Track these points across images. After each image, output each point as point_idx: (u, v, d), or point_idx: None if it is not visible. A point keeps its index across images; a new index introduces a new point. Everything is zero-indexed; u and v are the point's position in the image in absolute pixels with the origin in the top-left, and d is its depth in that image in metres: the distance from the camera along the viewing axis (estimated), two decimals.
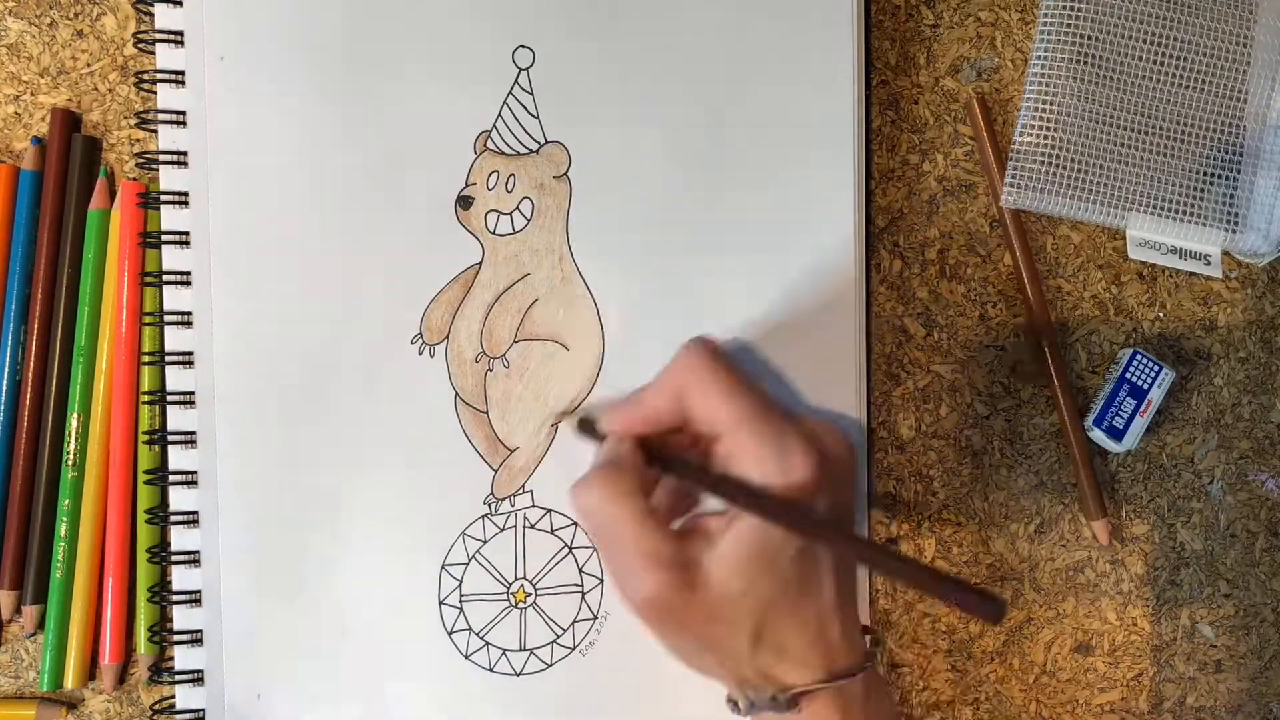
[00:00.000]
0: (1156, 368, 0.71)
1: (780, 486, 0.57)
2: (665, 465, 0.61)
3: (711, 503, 0.60)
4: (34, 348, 0.65)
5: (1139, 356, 0.71)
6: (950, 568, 0.73)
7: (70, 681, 0.66)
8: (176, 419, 0.65)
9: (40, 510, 0.65)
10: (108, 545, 0.65)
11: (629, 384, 0.67)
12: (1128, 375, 0.71)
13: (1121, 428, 0.71)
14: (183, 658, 0.65)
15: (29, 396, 0.65)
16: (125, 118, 0.67)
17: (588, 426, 0.65)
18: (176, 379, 0.65)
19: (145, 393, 0.65)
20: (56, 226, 0.65)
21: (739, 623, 0.57)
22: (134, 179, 0.66)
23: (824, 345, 0.70)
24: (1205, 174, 0.72)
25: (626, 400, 0.62)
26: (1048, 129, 0.71)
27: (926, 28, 0.73)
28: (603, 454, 0.61)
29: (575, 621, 0.68)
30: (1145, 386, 0.71)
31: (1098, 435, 0.71)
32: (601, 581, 0.68)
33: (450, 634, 0.67)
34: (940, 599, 0.53)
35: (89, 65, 0.67)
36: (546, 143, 0.67)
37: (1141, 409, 0.71)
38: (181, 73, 0.64)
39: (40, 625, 0.66)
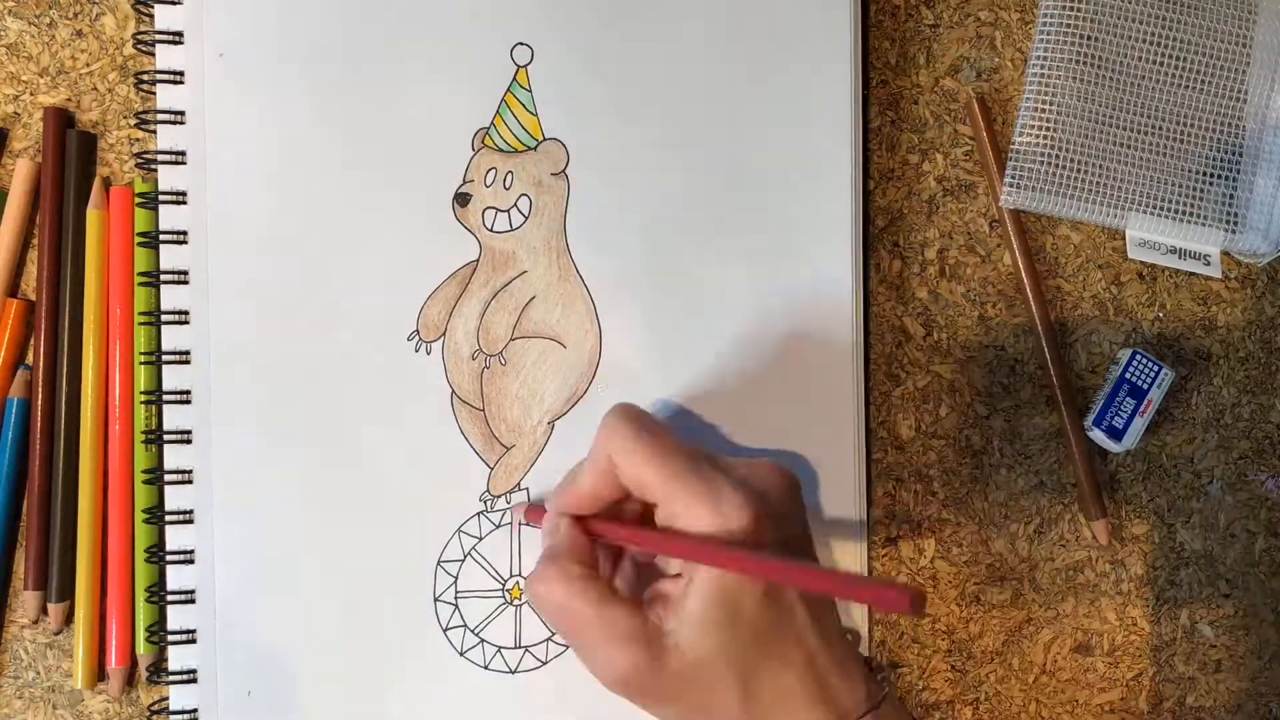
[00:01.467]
0: (1156, 368, 0.71)
1: (723, 535, 0.56)
2: (611, 539, 0.61)
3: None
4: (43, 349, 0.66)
5: (1138, 356, 0.71)
6: (950, 568, 0.72)
7: (80, 682, 0.66)
8: (173, 418, 0.65)
9: (59, 510, 0.65)
10: (109, 546, 0.65)
11: (626, 383, 0.67)
12: (1127, 375, 0.71)
13: (1121, 428, 0.71)
14: (176, 657, 0.65)
15: (40, 400, 0.65)
16: (125, 118, 0.67)
17: (536, 513, 0.65)
18: (173, 378, 0.65)
19: (143, 392, 0.65)
20: (56, 226, 0.65)
21: (722, 681, 0.57)
22: (129, 183, 0.66)
23: (823, 345, 0.70)
24: (1205, 174, 0.72)
25: (564, 481, 0.62)
26: (1047, 129, 0.71)
27: (926, 28, 0.73)
28: (544, 538, 0.62)
29: None
30: (1145, 386, 0.71)
31: (1097, 435, 0.71)
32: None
33: (445, 631, 0.67)
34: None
35: (88, 65, 0.67)
36: (545, 140, 0.67)
37: (1141, 409, 0.71)
38: (180, 72, 0.65)
39: (68, 621, 0.66)
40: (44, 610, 0.66)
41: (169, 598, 0.65)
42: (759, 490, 0.58)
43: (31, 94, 0.66)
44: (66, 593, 0.65)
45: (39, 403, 0.65)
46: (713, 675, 0.56)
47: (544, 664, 0.68)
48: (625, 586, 0.62)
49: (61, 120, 0.66)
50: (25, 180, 0.65)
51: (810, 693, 0.58)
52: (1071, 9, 0.71)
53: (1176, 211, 0.72)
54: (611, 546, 0.62)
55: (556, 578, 0.58)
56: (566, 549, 0.60)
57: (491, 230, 0.67)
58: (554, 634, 0.68)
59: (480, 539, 0.67)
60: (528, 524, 0.67)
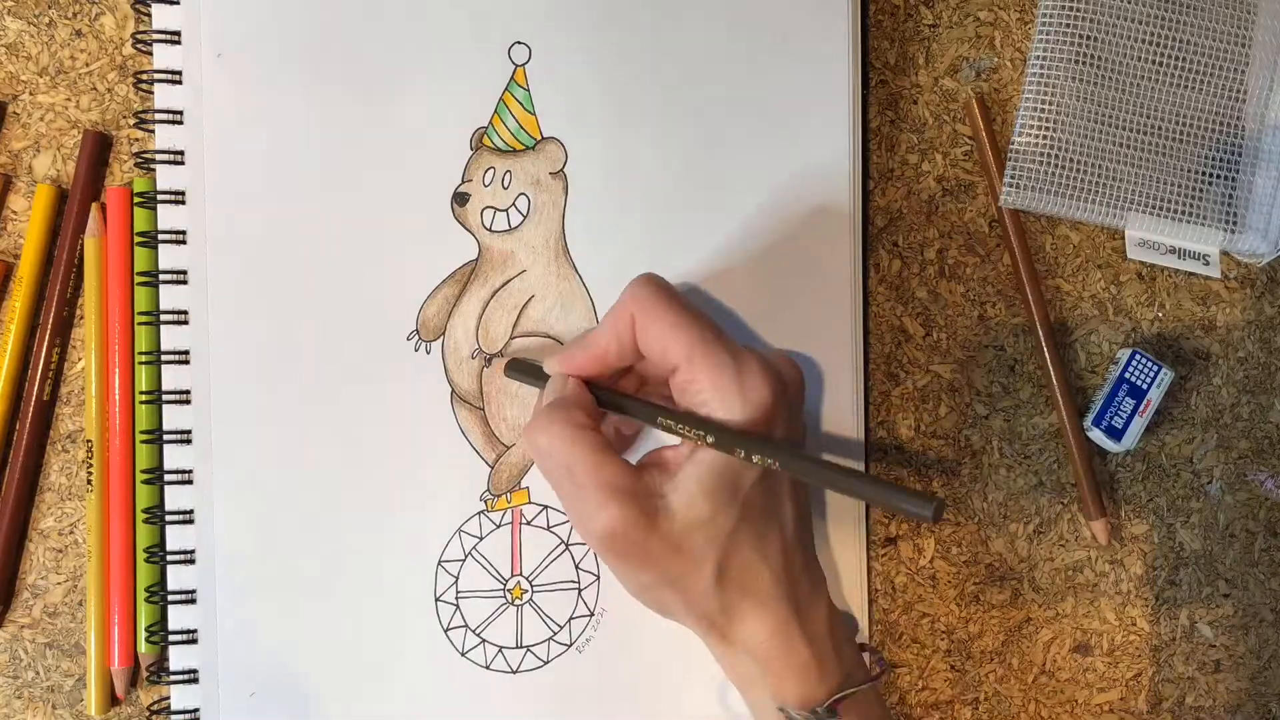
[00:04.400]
0: (1155, 368, 0.71)
1: (740, 412, 0.57)
2: (616, 405, 0.61)
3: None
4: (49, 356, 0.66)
5: (1138, 356, 0.71)
6: (950, 568, 0.72)
7: (93, 709, 0.66)
8: (172, 418, 0.65)
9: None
10: (111, 547, 0.65)
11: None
12: (1127, 375, 0.71)
13: (1120, 428, 0.71)
14: (177, 657, 0.65)
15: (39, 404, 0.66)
16: (124, 117, 0.67)
17: (521, 367, 0.65)
18: (173, 378, 0.65)
19: (143, 392, 0.65)
20: (75, 250, 0.66)
21: (702, 556, 0.57)
22: (128, 183, 0.66)
23: (823, 345, 0.70)
24: (1204, 174, 0.72)
25: (572, 343, 0.62)
26: (1046, 129, 0.71)
27: (925, 28, 0.73)
28: (549, 393, 0.61)
29: (572, 618, 0.68)
30: (1144, 386, 0.71)
31: (1097, 435, 0.71)
32: (598, 578, 0.68)
33: (446, 631, 0.67)
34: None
35: (87, 65, 0.67)
36: (543, 139, 0.67)
37: (1140, 409, 0.71)
38: (178, 71, 0.65)
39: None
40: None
41: (170, 598, 0.65)
42: (775, 372, 0.59)
43: (31, 94, 0.66)
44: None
45: (41, 404, 0.65)
46: (695, 548, 0.57)
47: (546, 664, 0.68)
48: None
49: (98, 145, 0.66)
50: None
51: (780, 585, 0.59)
52: (1071, 9, 0.71)
53: (1176, 211, 0.72)
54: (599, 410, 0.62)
55: (559, 425, 0.58)
56: (573, 401, 0.60)
57: (490, 230, 0.67)
58: (555, 634, 0.68)
59: (481, 539, 0.67)
60: (515, 378, 0.66)
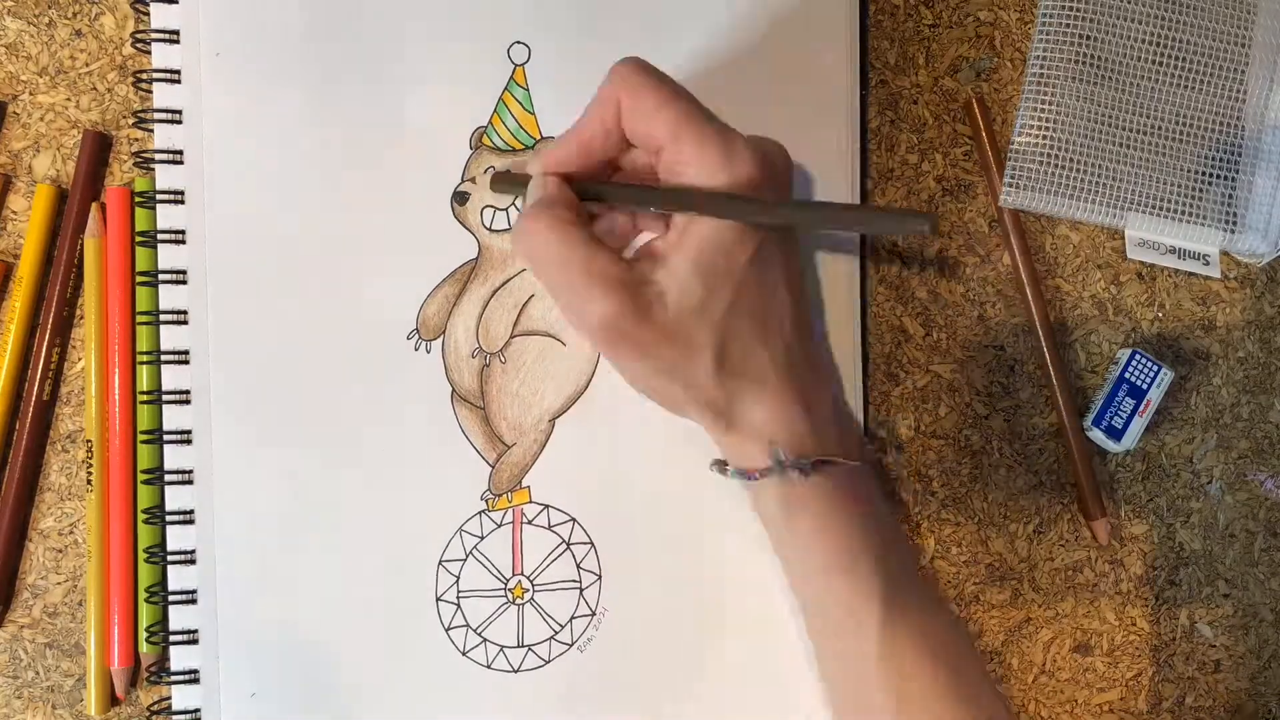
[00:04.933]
0: (1155, 368, 0.71)
1: (727, 184, 0.56)
2: (599, 196, 0.60)
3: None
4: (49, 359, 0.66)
5: (1138, 356, 0.71)
6: (950, 568, 0.72)
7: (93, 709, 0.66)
8: (172, 417, 0.65)
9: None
10: (112, 547, 0.65)
11: (625, 382, 0.67)
12: (1126, 375, 0.71)
13: (1120, 428, 0.71)
14: (178, 657, 0.65)
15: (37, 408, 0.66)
16: (124, 117, 0.67)
17: (506, 178, 0.65)
18: (173, 378, 0.65)
19: (143, 392, 0.65)
20: (76, 250, 0.66)
21: (699, 340, 0.57)
22: (128, 183, 0.66)
23: (822, 345, 0.70)
24: (1204, 174, 0.72)
25: (557, 139, 0.62)
26: (1046, 129, 0.71)
27: (925, 28, 0.73)
28: (531, 195, 0.61)
29: (573, 618, 0.68)
30: (1144, 386, 0.71)
31: (1096, 435, 0.71)
32: (599, 578, 0.68)
33: (448, 630, 0.67)
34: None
35: (87, 65, 0.67)
36: (543, 138, 0.67)
37: (1140, 409, 0.71)
38: (177, 71, 0.65)
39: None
40: None
41: (170, 598, 0.65)
42: (765, 152, 0.59)
43: (31, 94, 0.66)
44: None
45: (41, 404, 0.65)
46: (692, 333, 0.57)
47: (547, 663, 0.68)
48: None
49: (98, 145, 0.66)
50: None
51: (781, 376, 0.59)
52: (1071, 9, 0.71)
53: (1175, 211, 0.72)
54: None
55: (544, 221, 0.58)
56: (557, 197, 0.59)
57: (490, 229, 0.67)
58: (556, 633, 0.68)
59: (482, 538, 0.67)
60: (501, 190, 0.66)
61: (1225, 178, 0.72)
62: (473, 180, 0.67)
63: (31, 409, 0.65)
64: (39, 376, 0.65)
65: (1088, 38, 0.71)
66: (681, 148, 0.57)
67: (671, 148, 0.57)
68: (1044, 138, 0.71)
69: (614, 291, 0.56)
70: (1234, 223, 0.72)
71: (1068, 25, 0.71)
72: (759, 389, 0.59)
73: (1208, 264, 0.73)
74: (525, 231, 0.58)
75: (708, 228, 0.57)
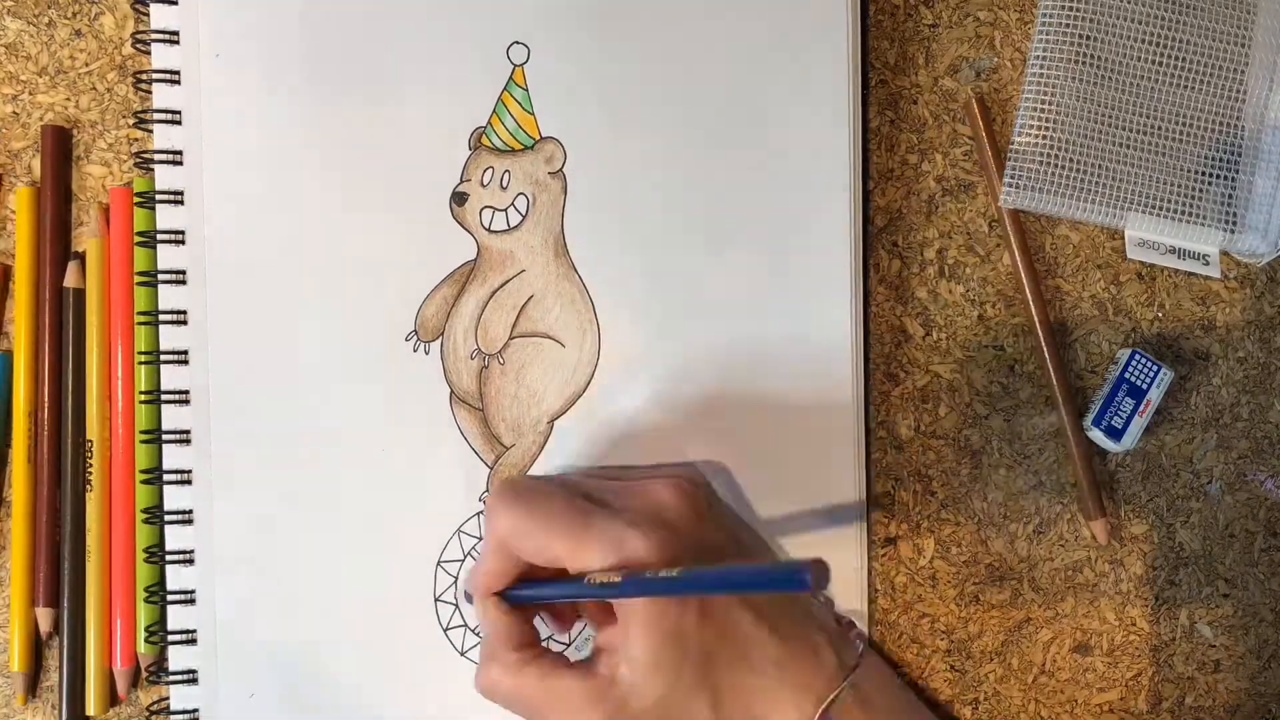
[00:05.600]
0: (1155, 368, 0.71)
1: (633, 566, 0.57)
2: (537, 600, 0.62)
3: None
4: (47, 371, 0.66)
5: (1138, 356, 0.71)
6: (949, 568, 0.72)
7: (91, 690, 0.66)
8: (171, 417, 0.65)
9: (69, 524, 0.66)
10: (114, 548, 0.66)
11: (625, 381, 0.67)
12: (1126, 375, 0.71)
13: (1120, 427, 0.71)
14: (177, 657, 0.65)
15: (47, 417, 0.66)
16: (124, 117, 0.67)
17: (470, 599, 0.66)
18: (172, 378, 0.65)
19: (143, 392, 0.65)
20: (59, 246, 0.66)
21: (689, 704, 0.58)
22: (127, 183, 0.66)
23: (822, 344, 0.70)
24: (1203, 174, 0.72)
25: (474, 567, 0.64)
26: (1046, 129, 0.71)
27: (925, 27, 0.73)
28: (482, 625, 0.62)
29: None
30: (1144, 386, 0.71)
31: (1096, 435, 0.71)
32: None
33: (446, 631, 0.67)
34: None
35: (87, 65, 0.67)
36: (542, 139, 0.67)
37: (1140, 409, 0.71)
38: (176, 71, 0.65)
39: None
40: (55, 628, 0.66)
41: (169, 598, 0.65)
42: (655, 515, 0.59)
43: (30, 94, 0.66)
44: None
45: (45, 407, 0.66)
46: (677, 704, 0.57)
47: None
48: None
49: (60, 139, 0.67)
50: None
51: (777, 685, 0.59)
52: (1070, 9, 0.71)
53: (1175, 211, 0.72)
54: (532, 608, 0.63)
55: (497, 669, 0.59)
56: (498, 635, 0.60)
57: (489, 229, 0.67)
58: (553, 634, 0.68)
59: (480, 539, 0.67)
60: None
61: (1225, 178, 0.72)
62: (470, 180, 0.67)
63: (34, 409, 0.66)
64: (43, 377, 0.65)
65: (1088, 38, 0.71)
66: (578, 562, 0.58)
67: (571, 563, 0.58)
68: (1044, 138, 0.71)
69: (588, 711, 0.57)
70: (1234, 223, 0.72)
71: (1068, 25, 0.71)
72: (770, 691, 0.59)
73: (1207, 264, 0.72)
74: (482, 678, 0.60)
75: (643, 606, 0.57)
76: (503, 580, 0.61)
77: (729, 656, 0.58)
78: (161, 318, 0.65)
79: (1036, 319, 0.72)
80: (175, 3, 0.65)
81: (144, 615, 0.65)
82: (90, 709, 0.66)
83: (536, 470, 0.68)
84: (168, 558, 0.65)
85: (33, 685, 0.66)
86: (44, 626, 0.65)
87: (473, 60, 0.67)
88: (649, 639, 0.57)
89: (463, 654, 0.67)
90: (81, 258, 0.66)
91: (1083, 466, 0.72)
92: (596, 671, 0.58)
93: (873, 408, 0.72)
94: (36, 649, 0.66)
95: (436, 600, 0.67)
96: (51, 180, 0.66)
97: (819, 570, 0.45)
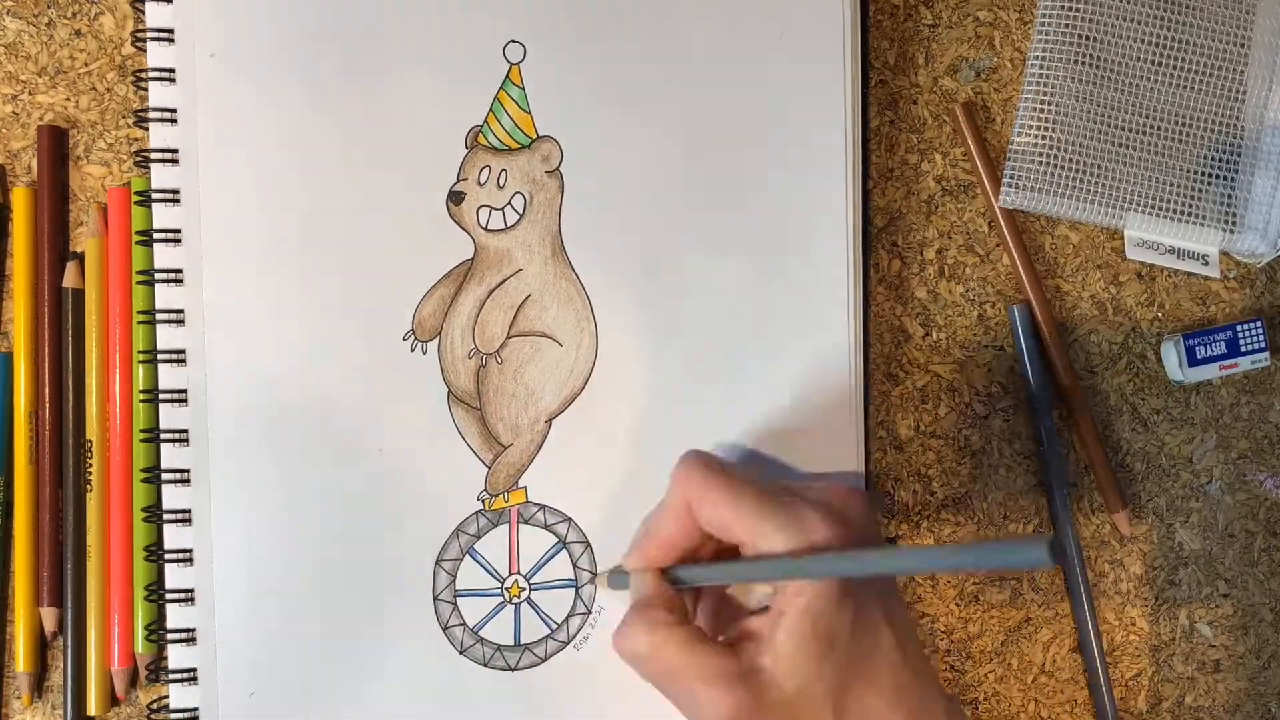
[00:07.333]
0: (1263, 345, 0.71)
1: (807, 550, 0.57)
2: (696, 580, 0.62)
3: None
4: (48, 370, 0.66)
5: (1259, 326, 0.71)
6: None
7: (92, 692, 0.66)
8: (169, 417, 0.65)
9: (71, 525, 0.66)
10: (113, 548, 0.66)
11: (624, 381, 0.67)
12: (1239, 329, 0.71)
13: (1199, 359, 0.71)
14: (176, 656, 0.65)
15: (48, 417, 0.66)
16: (124, 117, 0.67)
17: (618, 576, 0.66)
18: (169, 377, 0.65)
19: (142, 391, 0.65)
20: (58, 247, 0.66)
21: (817, 706, 0.57)
22: (126, 183, 0.66)
23: (822, 344, 0.70)
24: (1203, 174, 0.72)
25: (640, 535, 0.64)
26: (1046, 129, 0.71)
27: (925, 28, 0.73)
28: (634, 591, 0.62)
29: (569, 616, 0.68)
30: (1243, 350, 0.71)
31: (1171, 350, 0.71)
32: (594, 576, 0.68)
33: (445, 630, 0.67)
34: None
35: (87, 65, 0.67)
36: (538, 137, 0.67)
37: (1225, 363, 0.71)
38: (172, 70, 0.65)
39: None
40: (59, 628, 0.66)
41: (168, 597, 0.65)
42: (840, 510, 0.59)
43: (30, 94, 0.67)
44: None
45: (46, 407, 0.66)
46: (809, 703, 0.57)
47: (544, 661, 0.68)
48: (706, 629, 0.63)
49: (56, 139, 0.67)
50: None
51: (897, 712, 0.58)
52: (1070, 9, 0.71)
53: (1175, 211, 0.72)
54: (685, 594, 0.63)
55: (644, 628, 0.59)
56: (656, 596, 0.61)
57: (486, 229, 0.67)
58: (553, 632, 0.68)
59: (478, 537, 0.67)
60: (615, 589, 0.67)
61: (1224, 178, 0.72)
62: (467, 179, 0.67)
63: (34, 410, 0.66)
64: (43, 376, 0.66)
65: (1088, 38, 0.71)
66: (756, 539, 0.58)
67: (748, 538, 0.58)
68: (1043, 138, 0.71)
69: (728, 687, 0.56)
70: (1233, 223, 0.72)
71: (1068, 25, 0.71)
72: (883, 715, 0.59)
73: (1207, 264, 0.73)
74: (626, 635, 0.60)
75: (803, 599, 0.56)
76: (671, 554, 0.61)
77: (863, 670, 0.58)
78: (159, 317, 0.65)
79: (1037, 318, 0.72)
80: (170, 1, 0.64)
81: (143, 614, 0.65)
82: (91, 709, 0.66)
83: (536, 471, 0.68)
84: (167, 557, 0.65)
85: (38, 685, 0.66)
86: (49, 626, 0.66)
87: (469, 58, 0.67)
88: (803, 634, 0.56)
89: (461, 652, 0.67)
90: (80, 258, 0.66)
91: (1099, 460, 0.72)
92: (739, 655, 0.57)
93: (873, 408, 0.72)
94: (41, 649, 0.66)
95: (435, 599, 0.67)
96: (48, 180, 0.66)
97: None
